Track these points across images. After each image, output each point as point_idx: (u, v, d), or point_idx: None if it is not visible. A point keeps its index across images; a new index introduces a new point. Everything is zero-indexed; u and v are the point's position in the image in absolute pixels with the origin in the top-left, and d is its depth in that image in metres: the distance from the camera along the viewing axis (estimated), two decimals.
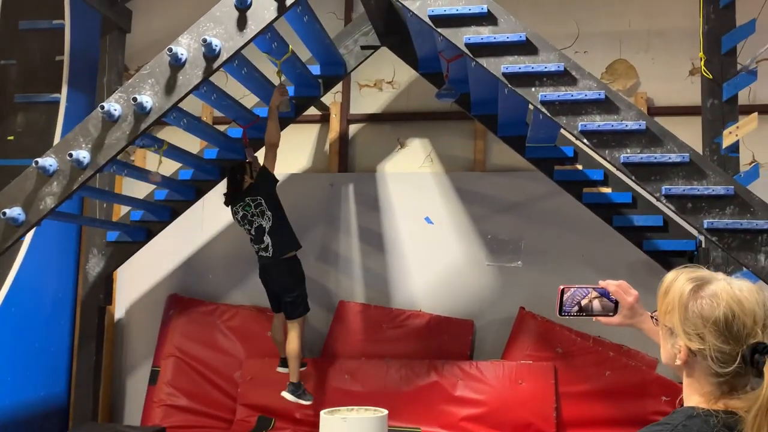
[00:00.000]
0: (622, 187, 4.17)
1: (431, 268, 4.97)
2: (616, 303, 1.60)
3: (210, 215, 5.19)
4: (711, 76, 3.90)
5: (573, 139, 4.24)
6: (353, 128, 5.33)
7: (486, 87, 3.96)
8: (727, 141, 3.67)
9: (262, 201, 4.12)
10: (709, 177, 2.87)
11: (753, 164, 4.62)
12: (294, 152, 5.30)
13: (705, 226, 2.83)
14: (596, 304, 1.61)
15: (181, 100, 3.34)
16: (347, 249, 5.09)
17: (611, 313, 1.61)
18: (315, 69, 4.36)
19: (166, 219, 4.52)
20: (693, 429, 1.11)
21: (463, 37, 3.09)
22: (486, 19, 3.08)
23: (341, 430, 3.67)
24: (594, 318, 1.65)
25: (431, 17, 3.12)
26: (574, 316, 1.62)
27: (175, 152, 4.00)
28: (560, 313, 1.63)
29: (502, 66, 3.06)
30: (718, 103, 3.87)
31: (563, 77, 3.02)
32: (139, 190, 4.82)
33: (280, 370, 4.45)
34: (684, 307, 1.20)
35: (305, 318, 4.36)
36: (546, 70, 3.01)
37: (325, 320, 4.96)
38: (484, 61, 3.09)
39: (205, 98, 3.78)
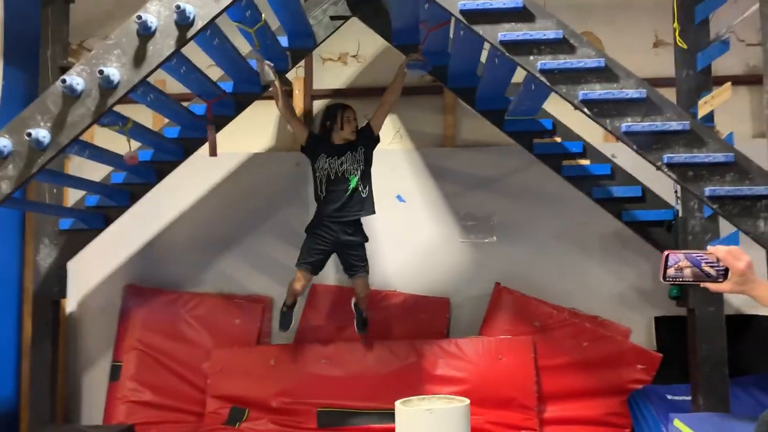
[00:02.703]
0: (601, 159, 4.17)
1: (405, 246, 4.86)
2: (726, 269, 1.52)
3: (168, 198, 4.89)
4: (686, 46, 3.94)
5: (553, 111, 4.22)
6: (318, 104, 5.12)
7: (467, 59, 3.85)
8: (702, 111, 3.71)
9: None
10: (709, 144, 2.87)
11: (729, 133, 4.73)
12: (257, 130, 5.06)
13: (706, 193, 2.83)
14: (705, 270, 1.53)
15: (151, 72, 3.06)
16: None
17: (720, 279, 1.54)
18: (283, 41, 4.12)
19: (124, 204, 4.20)
20: None
21: (458, 3, 2.96)
22: None
23: (426, 422, 3.45)
24: (701, 284, 1.57)
25: None
26: (679, 282, 1.54)
27: (139, 131, 3.70)
28: (664, 279, 1.55)
29: (498, 34, 2.95)
30: (693, 74, 3.91)
31: (562, 45, 2.94)
32: (91, 172, 4.45)
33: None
34: None
35: None
36: (545, 37, 2.92)
37: (297, 305, 4.76)
38: (480, 29, 2.97)
39: (173, 71, 3.50)
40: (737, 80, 4.87)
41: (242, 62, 3.90)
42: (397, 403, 3.60)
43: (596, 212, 4.45)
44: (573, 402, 4.47)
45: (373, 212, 4.16)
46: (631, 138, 2.89)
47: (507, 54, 2.95)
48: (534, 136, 4.13)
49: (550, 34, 2.92)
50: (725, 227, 3.91)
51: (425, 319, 4.72)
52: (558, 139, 4.12)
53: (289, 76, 4.90)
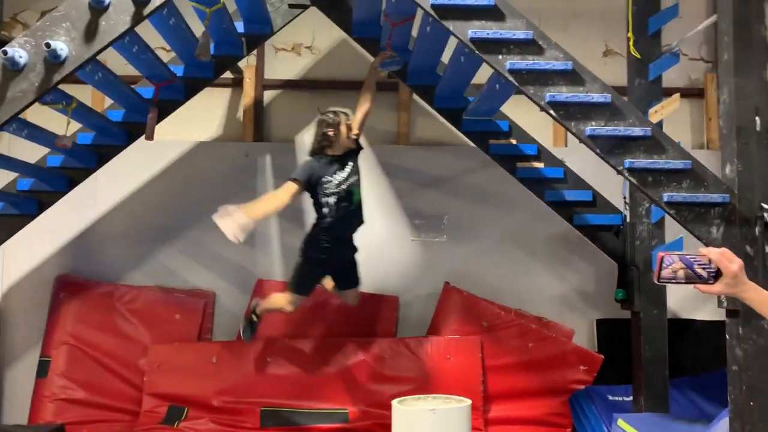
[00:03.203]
0: (554, 163, 4.23)
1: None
2: (717, 271, 1.52)
3: (105, 185, 4.63)
4: (640, 56, 4.04)
5: (509, 112, 4.25)
6: (269, 94, 4.98)
7: (429, 56, 3.82)
8: (652, 119, 3.81)
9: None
10: (669, 151, 2.94)
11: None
12: (203, 119, 4.87)
13: (665, 199, 2.89)
14: (697, 272, 1.53)
15: (103, 49, 2.88)
16: (265, 225, 4.75)
17: (711, 281, 1.54)
18: (239, 26, 3.97)
19: (62, 189, 3.94)
20: None
21: None
22: None
23: (429, 423, 3.33)
24: (693, 285, 1.57)
25: None
26: (673, 283, 1.53)
27: (82, 112, 3.47)
28: (658, 280, 1.54)
29: (468, 31, 2.92)
30: (645, 83, 4.03)
31: (531, 46, 2.94)
32: (22, 152, 4.14)
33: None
34: None
35: None
36: (514, 37, 2.92)
37: (241, 301, 4.62)
38: (450, 25, 2.93)
39: (124, 50, 3.29)
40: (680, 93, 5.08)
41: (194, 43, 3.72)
42: (394, 403, 3.51)
43: (544, 215, 4.53)
44: (517, 402, 4.51)
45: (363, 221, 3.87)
46: (594, 141, 2.92)
47: (476, 52, 2.93)
48: (490, 137, 4.14)
49: (520, 34, 2.92)
50: (670, 233, 4.05)
51: (374, 317, 4.66)
52: (513, 141, 4.14)
53: (240, 64, 4.75)
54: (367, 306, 4.68)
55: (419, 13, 3.40)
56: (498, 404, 4.52)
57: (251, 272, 4.72)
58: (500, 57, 2.93)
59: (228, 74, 4.76)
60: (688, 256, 1.52)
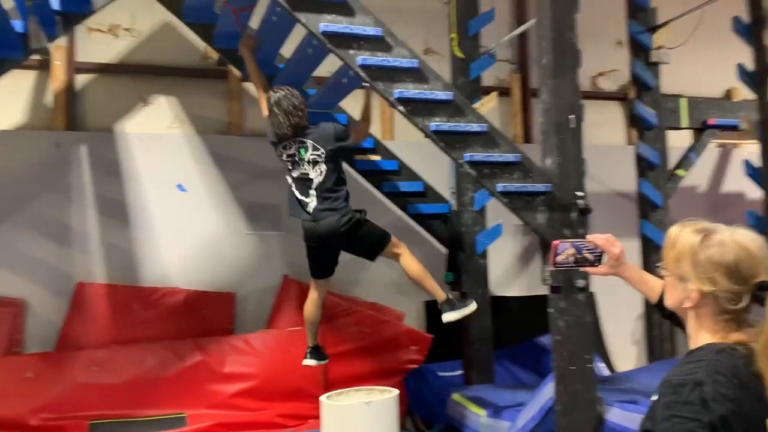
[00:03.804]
0: (389, 156, 4.40)
1: (186, 239, 4.57)
2: (602, 254, 1.70)
3: None
4: (463, 56, 4.36)
5: (346, 107, 4.33)
6: (82, 79, 4.54)
7: (270, 46, 3.77)
8: None
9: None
10: (501, 146, 3.22)
11: None
12: (5, 104, 4.30)
13: (498, 189, 3.17)
14: (585, 256, 1.69)
15: None
16: (82, 222, 4.36)
17: (597, 264, 1.71)
18: (54, 2, 3.57)
19: None
20: (724, 362, 1.26)
21: None
22: None
23: (364, 415, 3.23)
24: (581, 268, 1.73)
25: None
26: (566, 267, 1.69)
27: None
28: (555, 266, 1.68)
29: (320, 24, 2.94)
30: (467, 81, 4.35)
31: (380, 43, 3.04)
32: None
33: (309, 362, 3.78)
34: (694, 254, 1.33)
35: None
36: (365, 33, 2.99)
37: (59, 308, 4.18)
38: (302, 17, 2.92)
39: None
40: (611, 96, 5.80)
41: (5, 23, 3.28)
42: (322, 399, 3.41)
43: (374, 205, 4.70)
44: (355, 385, 4.65)
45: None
46: (438, 136, 3.11)
47: (328, 45, 2.96)
48: None
49: (370, 30, 3.00)
50: (491, 220, 4.44)
51: (209, 315, 4.50)
52: None
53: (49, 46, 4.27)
54: (202, 304, 4.51)
55: (263, 2, 3.35)
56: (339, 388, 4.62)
57: (68, 275, 4.29)
58: (351, 52, 2.99)
59: (34, 56, 4.26)
60: (577, 243, 1.70)
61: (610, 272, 1.71)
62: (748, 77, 5.07)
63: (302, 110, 3.51)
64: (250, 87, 4.47)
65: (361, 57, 2.98)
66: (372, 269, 5.01)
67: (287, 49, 3.90)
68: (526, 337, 5.13)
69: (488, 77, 5.52)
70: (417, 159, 4.64)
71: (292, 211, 3.62)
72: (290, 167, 3.54)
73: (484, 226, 4.41)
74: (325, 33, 2.94)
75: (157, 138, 4.58)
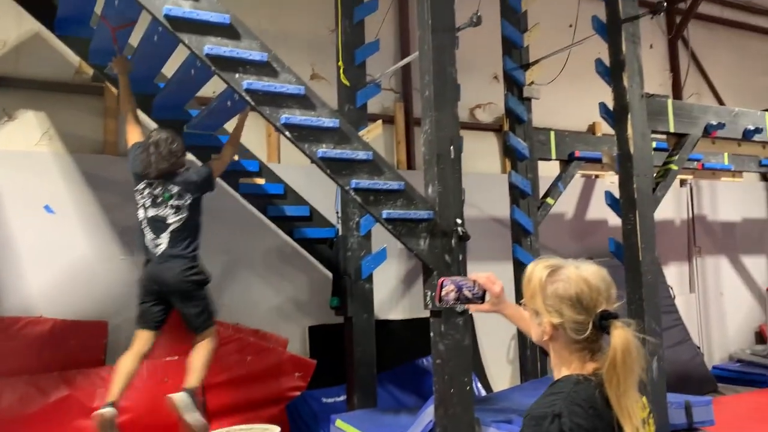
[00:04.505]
0: (274, 179, 4.37)
1: (53, 265, 4.27)
2: (484, 293, 1.76)
3: None
4: (349, 84, 4.44)
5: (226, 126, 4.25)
6: None
7: (150, 65, 3.64)
8: None
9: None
10: (386, 173, 3.29)
11: None
12: None
13: (383, 216, 3.23)
14: (467, 294, 1.75)
15: None
16: None
17: (480, 301, 1.77)
18: None
19: None
20: (581, 392, 1.35)
21: (163, 7, 2.80)
22: None
23: None
24: (465, 306, 1.78)
25: None
26: (451, 304, 1.73)
27: None
28: (439, 302, 1.72)
29: (205, 46, 2.89)
30: (353, 109, 4.44)
31: (265, 68, 3.03)
32: None
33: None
34: (543, 289, 1.43)
35: None
36: (250, 57, 2.97)
37: None
38: (186, 38, 2.86)
39: None
40: (488, 127, 5.99)
41: None
42: None
43: (259, 230, 4.65)
44: (236, 417, 4.51)
45: None
46: (325, 163, 3.13)
47: (213, 68, 2.91)
48: (212, 152, 4.09)
49: (256, 55, 2.99)
50: (376, 245, 4.51)
51: (79, 346, 4.21)
52: (236, 157, 4.17)
53: None
54: (70, 334, 4.22)
55: (143, 20, 3.24)
56: (218, 421, 4.46)
57: None
58: (237, 75, 2.96)
59: None
60: (459, 281, 1.76)
61: (492, 309, 1.79)
62: (608, 114, 5.51)
63: (177, 158, 3.53)
64: None
65: (247, 81, 2.96)
66: (255, 293, 4.94)
67: (169, 68, 3.79)
68: (408, 358, 5.23)
69: (374, 105, 5.63)
70: (303, 183, 4.65)
71: (140, 249, 3.58)
72: (147, 205, 3.48)
73: (369, 250, 4.47)
74: (209, 56, 2.89)
75: (22, 156, 4.28)
